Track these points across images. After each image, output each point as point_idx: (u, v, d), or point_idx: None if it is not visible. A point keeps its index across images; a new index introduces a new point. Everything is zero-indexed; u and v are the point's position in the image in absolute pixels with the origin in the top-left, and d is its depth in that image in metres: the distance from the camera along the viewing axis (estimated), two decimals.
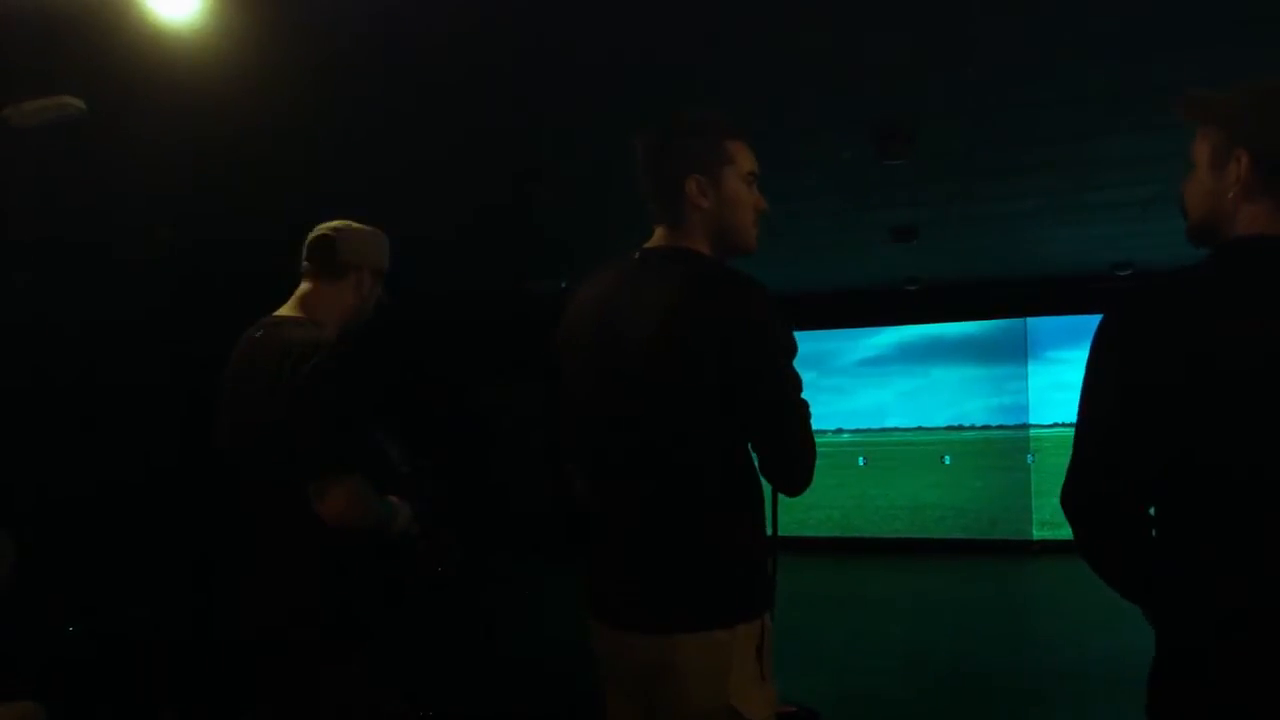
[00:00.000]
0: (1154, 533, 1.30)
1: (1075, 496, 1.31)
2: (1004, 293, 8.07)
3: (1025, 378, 8.55)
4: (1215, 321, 1.21)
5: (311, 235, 2.08)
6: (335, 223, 2.09)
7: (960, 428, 8.96)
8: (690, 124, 1.69)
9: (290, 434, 1.83)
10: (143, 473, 4.89)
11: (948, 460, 8.90)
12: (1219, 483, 1.22)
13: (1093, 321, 1.35)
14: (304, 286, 2.07)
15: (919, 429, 9.04)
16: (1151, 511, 1.31)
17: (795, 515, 8.47)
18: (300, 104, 3.31)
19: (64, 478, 4.49)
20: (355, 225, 2.11)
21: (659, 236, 1.69)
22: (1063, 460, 1.35)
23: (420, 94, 3.32)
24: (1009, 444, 8.54)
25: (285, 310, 2.04)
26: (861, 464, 9.13)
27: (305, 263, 2.07)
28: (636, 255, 1.69)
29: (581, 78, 3.21)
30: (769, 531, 1.70)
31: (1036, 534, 8.01)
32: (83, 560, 4.34)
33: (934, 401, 8.99)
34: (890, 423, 9.23)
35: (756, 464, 1.65)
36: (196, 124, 3.39)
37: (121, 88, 2.99)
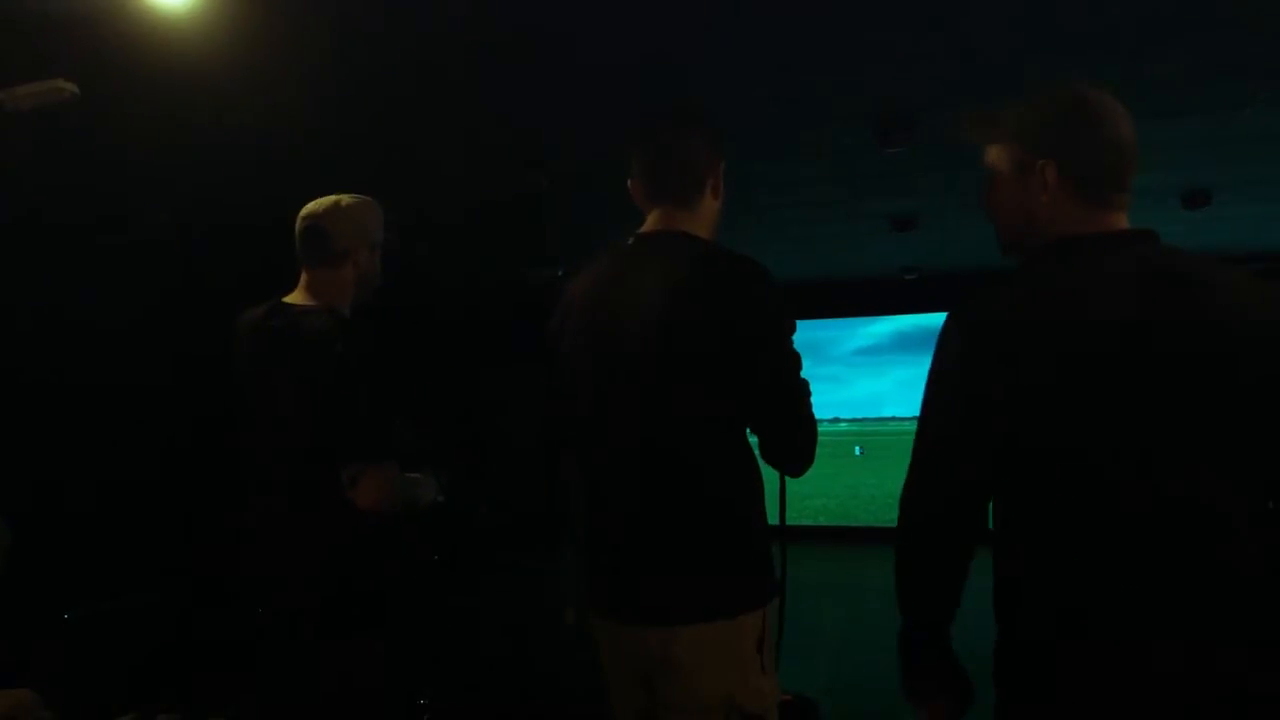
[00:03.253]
0: (998, 531, 1.36)
1: (917, 499, 1.35)
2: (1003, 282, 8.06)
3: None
4: (1046, 317, 1.28)
5: (301, 225, 2.03)
6: (323, 204, 2.04)
7: None
8: (710, 117, 1.72)
9: (326, 423, 1.87)
10: (141, 459, 4.88)
11: None
12: (1051, 475, 1.26)
13: None
14: (306, 276, 2.05)
15: (916, 418, 9.04)
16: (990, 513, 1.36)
17: (791, 504, 8.49)
18: (298, 90, 3.28)
19: (61, 463, 4.48)
20: (342, 203, 2.05)
21: (659, 220, 1.68)
22: None
23: (418, 83, 3.30)
24: None
25: (297, 298, 2.04)
26: (858, 453, 9.15)
27: (300, 253, 2.05)
28: (632, 240, 1.69)
29: (581, 65, 3.18)
30: (776, 522, 1.70)
31: None
32: (80, 546, 4.34)
33: None
34: (887, 412, 9.28)
35: (757, 451, 1.65)
36: (193, 110, 3.36)
37: (116, 72, 2.97)
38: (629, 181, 1.73)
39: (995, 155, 1.43)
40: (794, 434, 1.62)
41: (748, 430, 1.63)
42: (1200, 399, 1.21)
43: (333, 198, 2.06)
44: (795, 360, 1.61)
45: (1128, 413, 1.22)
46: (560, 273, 6.38)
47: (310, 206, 2.05)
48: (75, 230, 4.71)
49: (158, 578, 4.10)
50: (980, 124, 1.45)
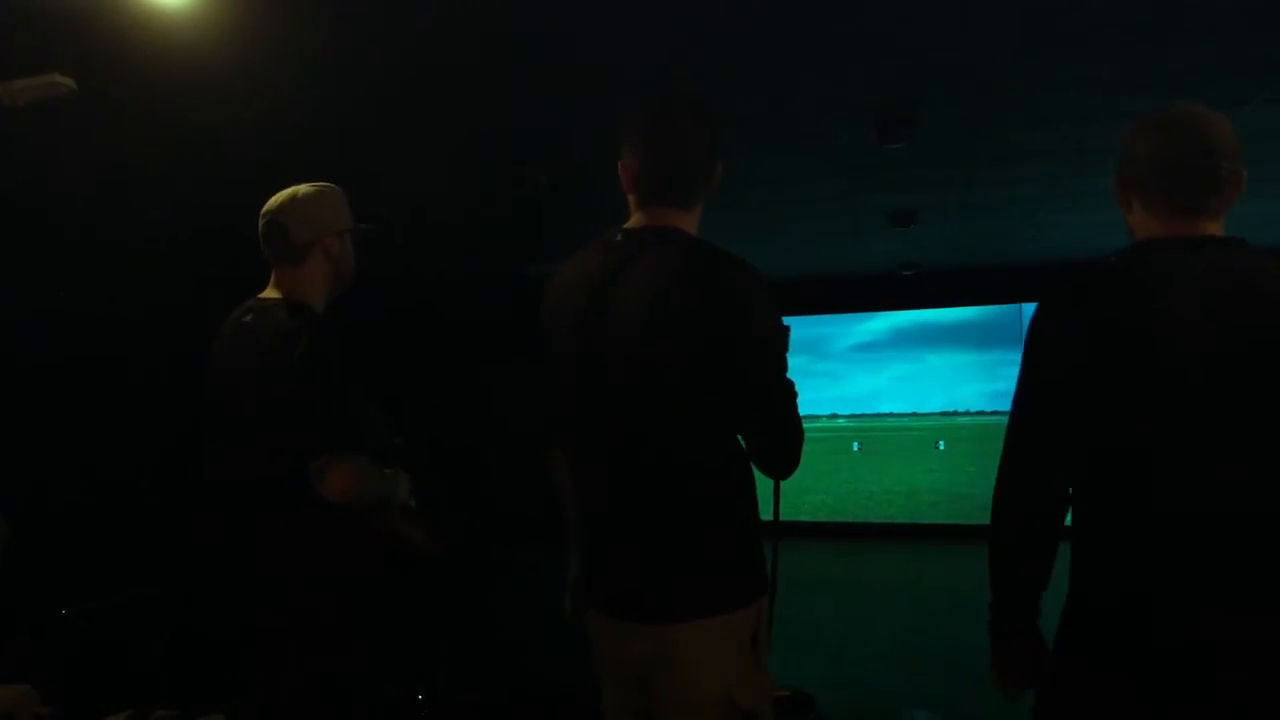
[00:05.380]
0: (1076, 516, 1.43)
1: (1009, 480, 1.47)
2: (1000, 278, 8.06)
3: (1020, 364, 8.54)
4: (1124, 317, 1.36)
5: (261, 222, 1.99)
6: (279, 198, 1.98)
7: (954, 413, 8.98)
8: (718, 115, 1.69)
9: (290, 417, 1.82)
10: (140, 455, 4.87)
11: (942, 446, 8.92)
12: (1126, 464, 1.34)
13: None
14: (274, 273, 2.02)
15: (913, 414, 9.06)
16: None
17: (789, 500, 8.47)
18: (297, 87, 3.27)
19: (60, 459, 4.47)
20: (299, 195, 1.98)
21: (648, 215, 1.64)
22: None
23: (417, 78, 3.29)
24: (1003, 430, 8.52)
25: (269, 293, 2.02)
26: (856, 449, 9.14)
27: (265, 251, 2.01)
28: (619, 236, 1.65)
29: (578, 59, 3.18)
30: (770, 518, 1.69)
31: None
32: (78, 542, 4.33)
33: (928, 387, 9.01)
34: (885, 408, 9.25)
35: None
36: (190, 107, 3.35)
37: (114, 67, 2.95)
38: (621, 162, 1.66)
39: None
40: (777, 436, 1.61)
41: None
42: (1245, 397, 1.27)
43: (289, 190, 2.00)
44: (780, 362, 1.59)
45: (1162, 407, 1.30)
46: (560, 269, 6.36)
47: (268, 203, 2.01)
48: (73, 227, 4.70)
49: (155, 574, 4.09)
50: None
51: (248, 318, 1.97)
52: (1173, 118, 1.47)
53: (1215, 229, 1.42)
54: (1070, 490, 1.42)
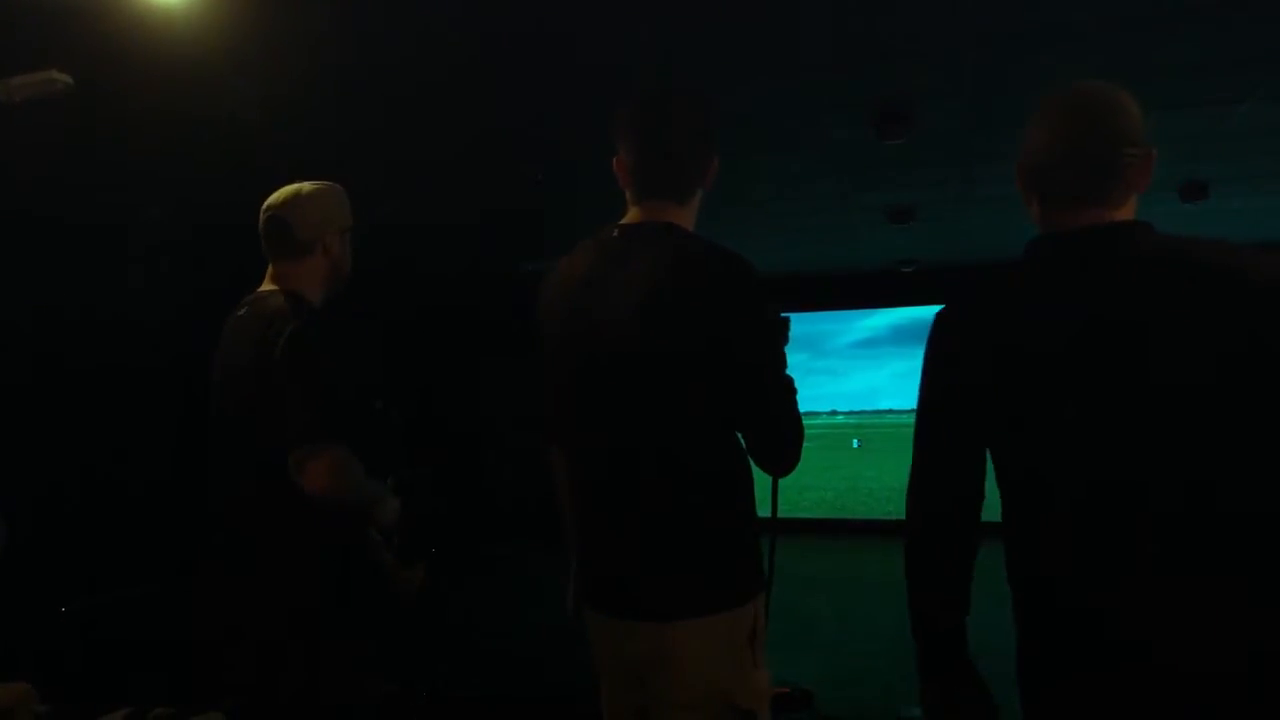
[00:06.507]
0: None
1: (917, 491, 1.42)
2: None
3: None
4: (989, 314, 1.38)
5: (263, 216, 1.99)
6: (283, 194, 1.99)
7: None
8: (712, 107, 1.69)
9: (276, 405, 1.80)
10: (139, 453, 4.87)
11: None
12: (1026, 472, 1.33)
13: None
14: (272, 268, 2.02)
15: (913, 411, 9.08)
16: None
17: (789, 497, 8.50)
18: (295, 85, 3.27)
19: (58, 457, 4.47)
20: (303, 191, 1.99)
21: (644, 211, 1.64)
22: None
23: (417, 77, 3.28)
24: None
25: (265, 286, 2.03)
26: (855, 446, 9.15)
27: (264, 246, 2.01)
28: (615, 232, 1.65)
29: (578, 59, 3.17)
30: (768, 514, 1.69)
31: None
32: (76, 540, 4.33)
33: None
34: (884, 404, 9.27)
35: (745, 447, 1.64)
36: (190, 105, 3.35)
37: (112, 64, 2.95)
38: (616, 158, 1.67)
39: None
40: (776, 434, 1.60)
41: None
42: (1141, 390, 1.23)
43: (293, 186, 2.01)
44: (778, 359, 1.58)
45: (1058, 408, 1.27)
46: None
47: (271, 197, 2.01)
48: (72, 225, 4.70)
49: (155, 573, 4.10)
50: None
51: (243, 311, 1.98)
52: (1070, 104, 1.44)
53: (1122, 215, 1.35)
54: (981, 495, 1.41)
